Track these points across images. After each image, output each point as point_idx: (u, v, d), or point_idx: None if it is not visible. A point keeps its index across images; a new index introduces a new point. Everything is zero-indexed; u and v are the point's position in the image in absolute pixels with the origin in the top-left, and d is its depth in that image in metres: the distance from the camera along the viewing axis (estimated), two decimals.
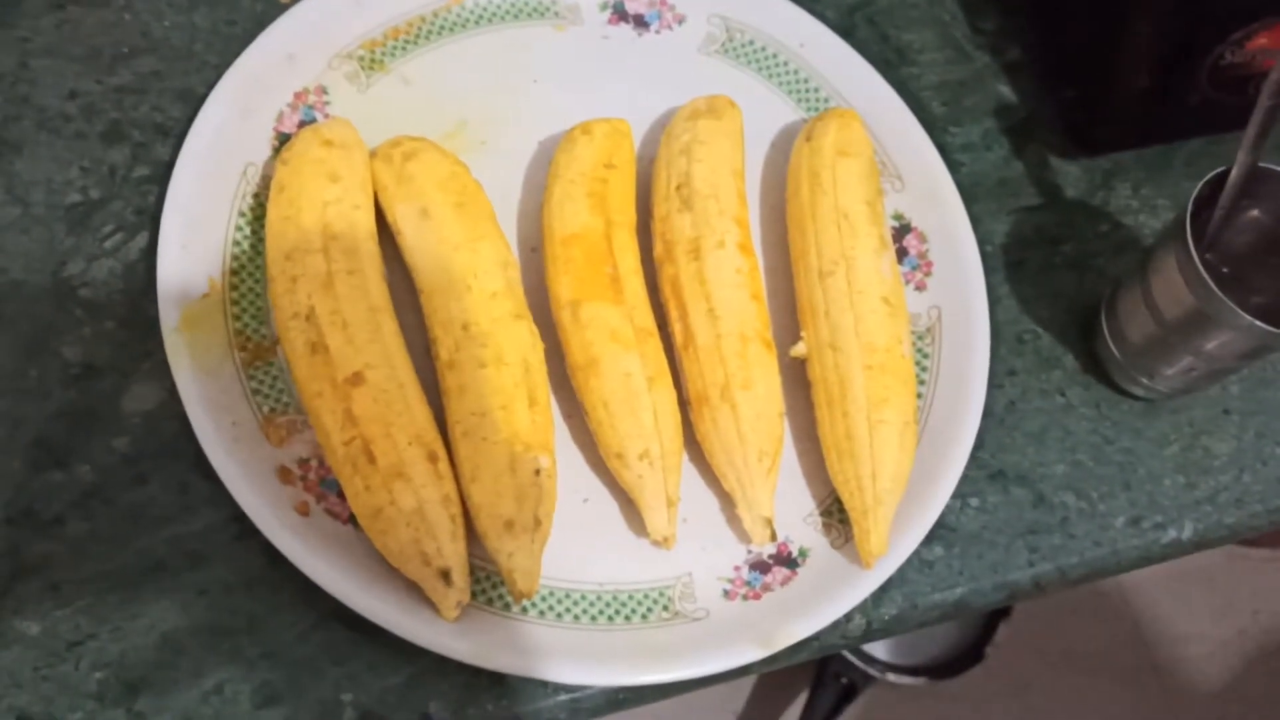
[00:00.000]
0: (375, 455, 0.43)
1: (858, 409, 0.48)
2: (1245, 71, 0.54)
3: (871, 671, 1.16)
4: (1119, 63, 0.55)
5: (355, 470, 0.43)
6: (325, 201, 0.47)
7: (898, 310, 0.50)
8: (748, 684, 1.21)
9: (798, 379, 0.51)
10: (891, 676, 1.17)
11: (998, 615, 1.19)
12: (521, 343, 0.46)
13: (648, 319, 0.49)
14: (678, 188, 0.51)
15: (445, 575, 0.42)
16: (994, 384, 0.53)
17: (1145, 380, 0.53)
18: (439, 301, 0.47)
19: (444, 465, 0.44)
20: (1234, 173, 0.48)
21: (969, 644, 1.19)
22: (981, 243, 0.56)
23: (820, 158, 0.52)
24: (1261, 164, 0.48)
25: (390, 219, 0.49)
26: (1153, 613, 1.32)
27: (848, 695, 1.16)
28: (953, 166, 0.57)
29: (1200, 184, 0.48)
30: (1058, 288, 0.56)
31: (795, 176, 0.53)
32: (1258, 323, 0.46)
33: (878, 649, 1.18)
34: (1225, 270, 0.52)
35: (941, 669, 1.19)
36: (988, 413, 0.52)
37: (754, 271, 0.50)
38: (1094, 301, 0.55)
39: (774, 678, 1.20)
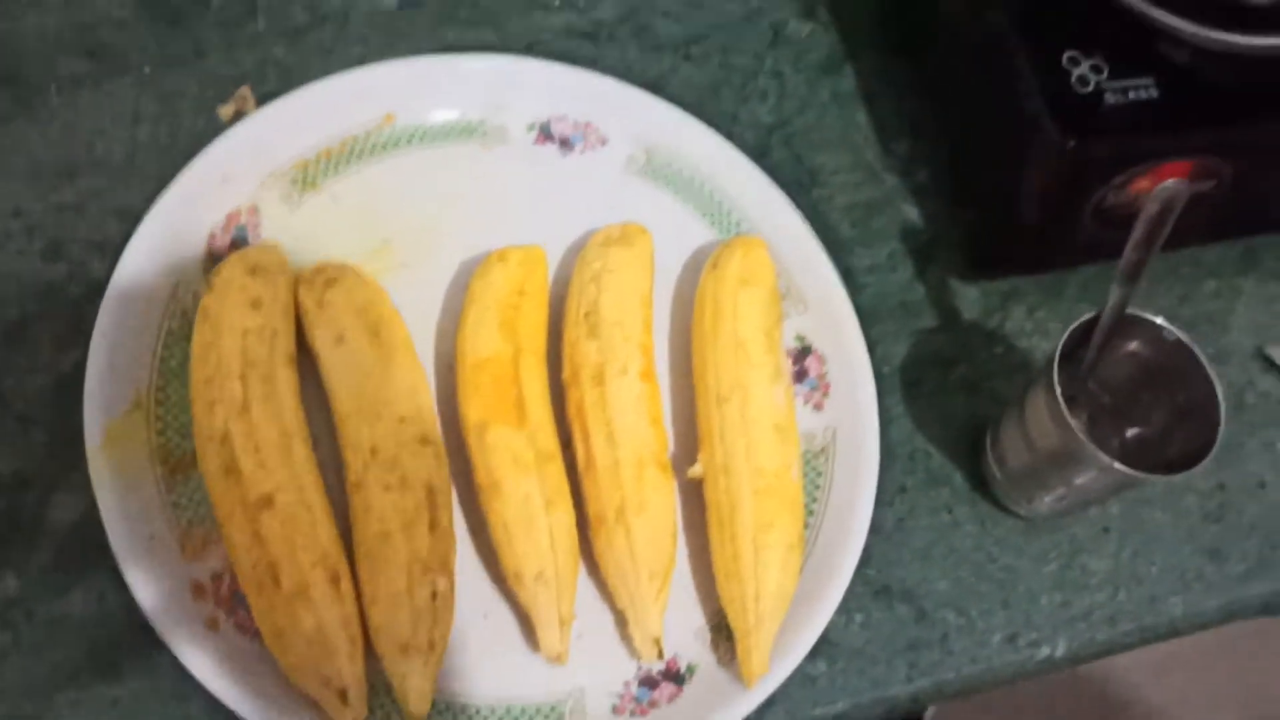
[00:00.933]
0: (280, 577, 0.45)
1: (745, 531, 0.50)
2: (1127, 211, 0.57)
3: None
4: (1012, 200, 0.58)
5: (260, 592, 0.46)
6: (246, 329, 0.50)
7: (788, 437, 0.53)
8: None
9: (698, 497, 0.54)
10: None
11: None
12: (426, 467, 0.49)
13: (551, 442, 0.52)
14: (586, 314, 0.54)
15: (343, 695, 0.45)
16: (885, 501, 0.56)
17: (1025, 503, 0.56)
18: (351, 425, 0.50)
19: (346, 585, 0.47)
20: (1102, 320, 0.51)
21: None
22: (880, 364, 0.59)
23: (723, 286, 0.55)
24: (1129, 311, 0.52)
25: (309, 343, 0.52)
26: (1100, 667, 1.35)
27: None
28: (858, 288, 0.60)
29: (1069, 329, 0.51)
30: (950, 409, 0.59)
31: (700, 303, 0.56)
32: (1117, 464, 0.48)
33: None
34: (1107, 400, 0.55)
35: None
36: (877, 529, 0.55)
37: (654, 397, 0.53)
38: (983, 422, 0.58)
39: None
